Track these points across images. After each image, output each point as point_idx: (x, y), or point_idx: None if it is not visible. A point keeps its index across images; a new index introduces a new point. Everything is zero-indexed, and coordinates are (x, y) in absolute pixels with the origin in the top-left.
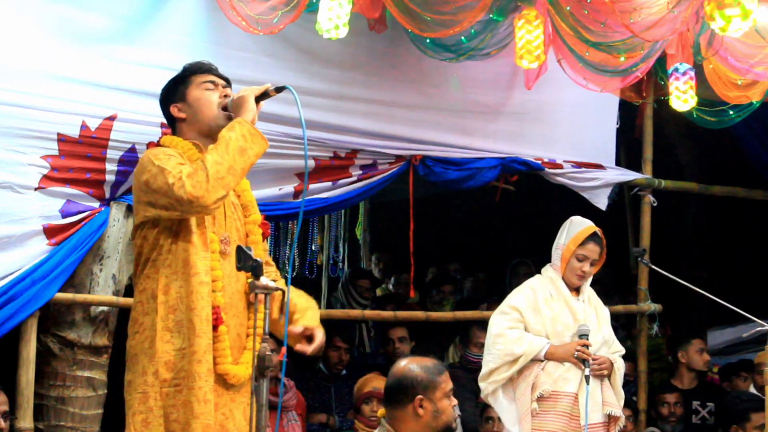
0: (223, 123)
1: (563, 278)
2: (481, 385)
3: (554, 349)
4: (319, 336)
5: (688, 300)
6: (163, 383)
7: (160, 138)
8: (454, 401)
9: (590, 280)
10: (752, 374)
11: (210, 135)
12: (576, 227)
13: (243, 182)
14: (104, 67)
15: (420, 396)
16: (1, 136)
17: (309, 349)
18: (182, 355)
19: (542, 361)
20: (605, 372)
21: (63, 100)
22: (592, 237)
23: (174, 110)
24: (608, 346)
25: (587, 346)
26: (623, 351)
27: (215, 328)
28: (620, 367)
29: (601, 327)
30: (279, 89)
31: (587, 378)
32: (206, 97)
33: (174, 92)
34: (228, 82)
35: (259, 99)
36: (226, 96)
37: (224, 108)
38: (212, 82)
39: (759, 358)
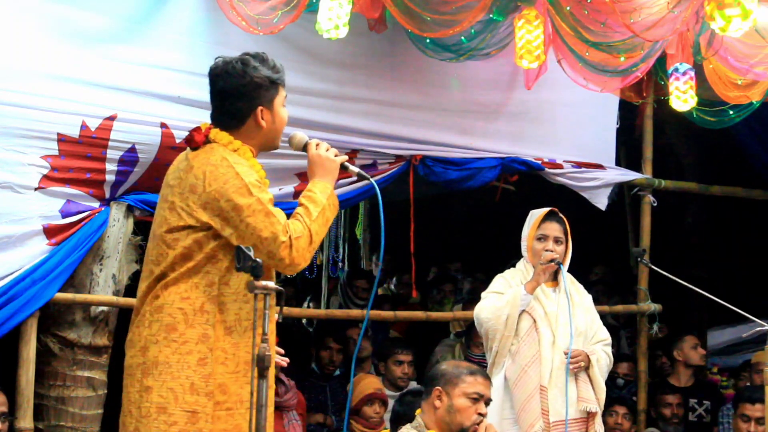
0: (278, 145)
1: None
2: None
3: (528, 283)
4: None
5: (688, 300)
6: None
7: (209, 130)
8: (482, 409)
9: (566, 267)
10: (750, 374)
11: (265, 149)
12: (533, 215)
13: None
14: (104, 67)
15: (439, 388)
16: (1, 136)
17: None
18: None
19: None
20: (582, 364)
21: (63, 100)
22: (548, 216)
23: (260, 114)
24: (587, 338)
25: (553, 261)
26: (609, 339)
27: None
28: (600, 359)
29: (575, 318)
30: (361, 176)
31: (557, 262)
32: (285, 118)
33: (265, 95)
34: None
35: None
36: None
37: None
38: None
39: (757, 358)
